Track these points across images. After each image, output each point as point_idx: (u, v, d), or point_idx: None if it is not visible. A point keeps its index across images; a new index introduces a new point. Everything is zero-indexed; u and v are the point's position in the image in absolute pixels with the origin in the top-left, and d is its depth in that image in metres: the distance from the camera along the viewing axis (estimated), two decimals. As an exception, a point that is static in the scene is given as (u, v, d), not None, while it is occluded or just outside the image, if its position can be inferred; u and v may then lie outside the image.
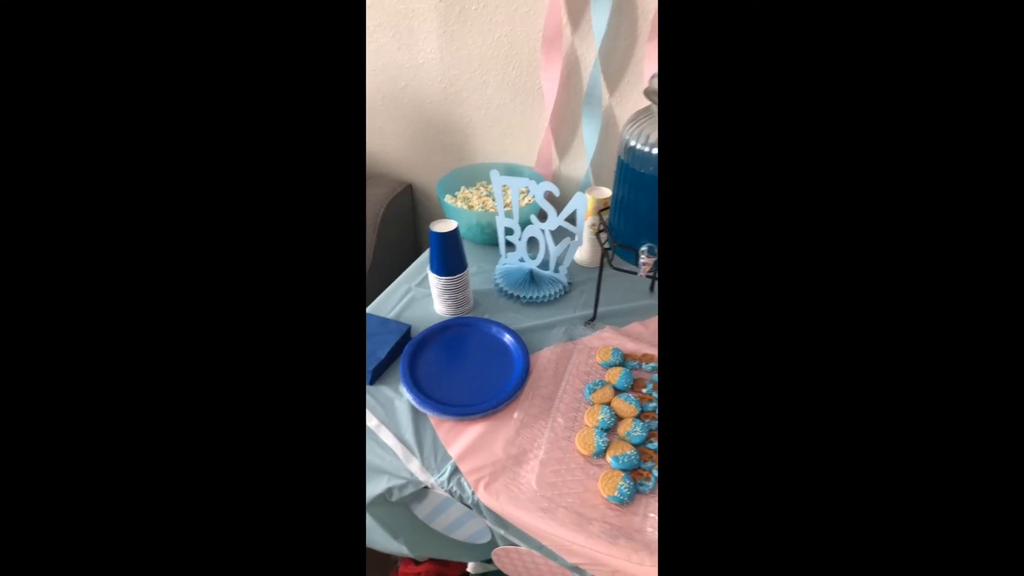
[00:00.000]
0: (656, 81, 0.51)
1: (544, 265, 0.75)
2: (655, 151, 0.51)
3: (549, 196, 0.66)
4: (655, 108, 0.52)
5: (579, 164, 0.87)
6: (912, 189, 0.23)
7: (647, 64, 0.73)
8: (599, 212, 0.64)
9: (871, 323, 0.24)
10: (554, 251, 0.72)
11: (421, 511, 0.57)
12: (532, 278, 0.75)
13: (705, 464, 0.25)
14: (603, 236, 0.61)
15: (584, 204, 0.66)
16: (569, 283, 0.76)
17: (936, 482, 0.23)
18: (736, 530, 0.25)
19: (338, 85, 0.26)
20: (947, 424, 0.23)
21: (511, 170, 0.88)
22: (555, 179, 0.90)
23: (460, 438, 0.55)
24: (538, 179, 0.84)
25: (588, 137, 0.82)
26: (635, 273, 0.57)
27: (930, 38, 0.23)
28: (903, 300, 0.24)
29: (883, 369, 0.24)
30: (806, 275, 0.24)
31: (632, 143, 0.53)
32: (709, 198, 0.25)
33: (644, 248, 0.55)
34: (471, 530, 0.56)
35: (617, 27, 0.73)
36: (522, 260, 0.75)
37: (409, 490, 0.52)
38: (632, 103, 0.78)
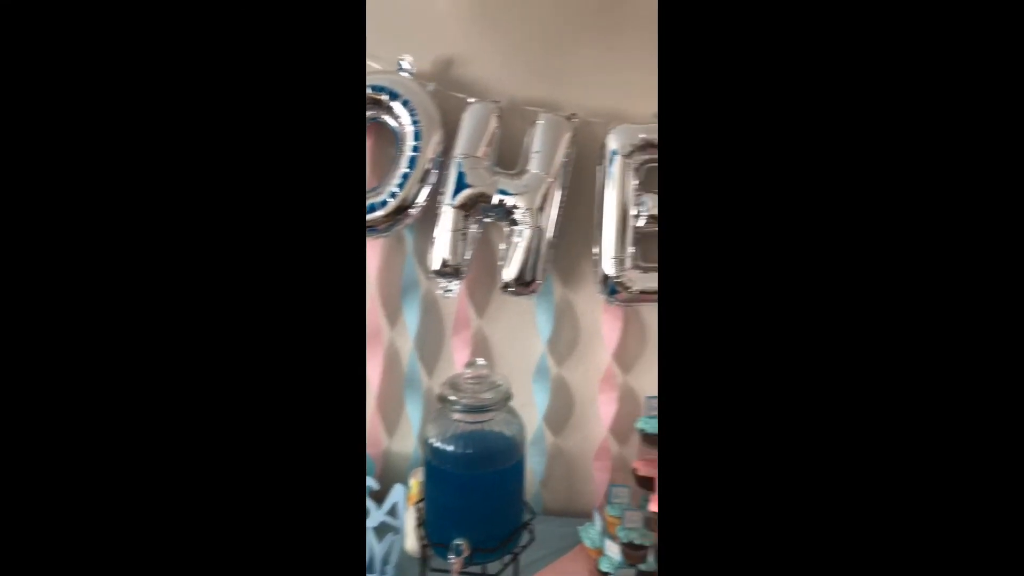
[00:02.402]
0: (446, 388, 0.60)
1: (371, 567, 0.69)
2: (450, 447, 0.57)
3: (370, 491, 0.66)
4: (447, 409, 0.60)
5: (407, 441, 0.90)
6: (881, 196, 0.25)
7: (457, 355, 0.86)
8: (417, 503, 0.65)
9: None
10: (378, 550, 0.68)
11: None
12: (355, 586, 0.68)
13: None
14: (420, 532, 0.61)
15: (404, 495, 0.67)
16: (398, 584, 0.70)
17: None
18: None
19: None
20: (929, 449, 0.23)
21: (341, 454, 0.87)
22: (384, 457, 0.91)
23: None
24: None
25: (413, 416, 0.87)
26: (448, 573, 0.55)
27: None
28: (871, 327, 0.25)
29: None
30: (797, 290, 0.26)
31: (430, 440, 0.58)
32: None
33: (452, 545, 0.55)
34: None
35: (428, 324, 0.87)
36: (343, 565, 0.68)
37: None
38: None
